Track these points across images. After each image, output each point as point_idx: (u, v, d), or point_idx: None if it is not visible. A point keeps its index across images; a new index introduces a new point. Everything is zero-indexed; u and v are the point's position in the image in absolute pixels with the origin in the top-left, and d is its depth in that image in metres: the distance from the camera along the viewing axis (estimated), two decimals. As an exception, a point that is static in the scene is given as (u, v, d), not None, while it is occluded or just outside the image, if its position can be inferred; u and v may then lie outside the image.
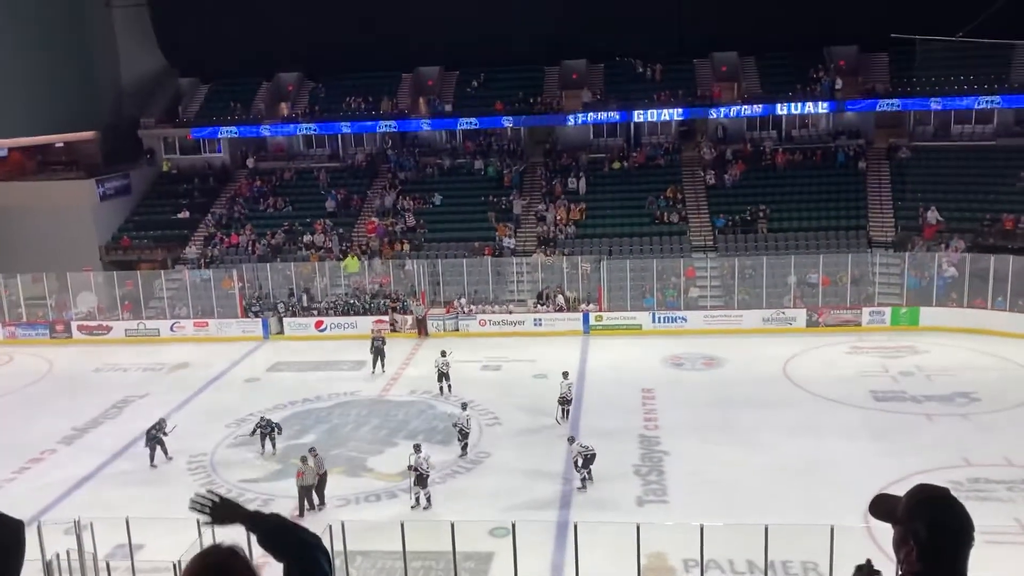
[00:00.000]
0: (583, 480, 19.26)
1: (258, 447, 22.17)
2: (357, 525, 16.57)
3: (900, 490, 2.83)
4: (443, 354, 26.34)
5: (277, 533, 2.64)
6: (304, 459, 19.16)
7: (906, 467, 19.06)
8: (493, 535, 16.77)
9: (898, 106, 38.43)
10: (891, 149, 38.61)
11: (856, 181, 37.54)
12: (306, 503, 18.73)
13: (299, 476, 18.96)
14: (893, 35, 35.30)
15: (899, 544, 2.67)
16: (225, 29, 42.64)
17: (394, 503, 19.11)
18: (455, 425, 21.72)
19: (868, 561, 2.93)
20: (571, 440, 19.96)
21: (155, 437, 21.84)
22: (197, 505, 2.76)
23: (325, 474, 19.29)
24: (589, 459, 19.19)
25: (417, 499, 18.60)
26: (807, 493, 18.62)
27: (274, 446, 22.03)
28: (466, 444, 21.61)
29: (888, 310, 31.15)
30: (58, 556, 14.23)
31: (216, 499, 2.72)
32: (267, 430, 22.07)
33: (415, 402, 25.67)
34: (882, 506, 2.76)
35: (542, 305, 33.11)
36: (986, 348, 28.14)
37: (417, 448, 19.02)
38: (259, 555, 2.69)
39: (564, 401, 23.44)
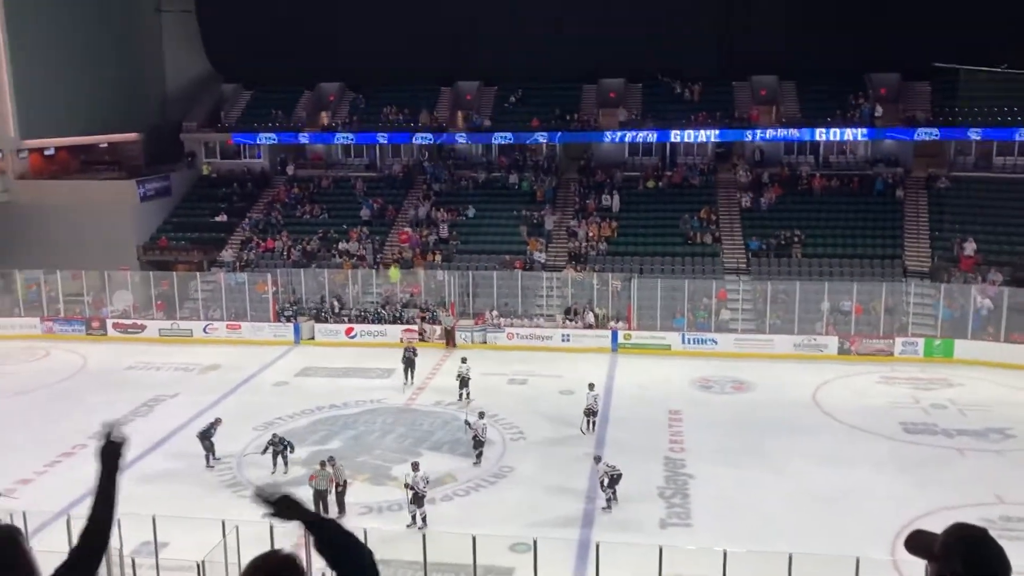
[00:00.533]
0: (608, 500, 19.21)
1: (270, 465, 21.49)
2: (379, 533, 16.67)
3: (929, 524, 2.82)
4: (463, 361, 26.93)
5: (335, 540, 2.59)
6: (323, 464, 19.33)
7: (935, 501, 18.79)
8: (514, 550, 16.74)
9: (938, 135, 38.06)
10: (930, 179, 38.21)
11: (893, 210, 37.19)
12: (321, 507, 18.90)
13: (311, 479, 19.23)
14: (936, 64, 35.06)
15: None
16: (270, 38, 43.32)
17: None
18: (470, 425, 21.95)
19: None
20: (597, 459, 19.90)
21: (210, 438, 21.97)
22: (261, 496, 2.70)
23: (345, 484, 19.37)
24: (615, 479, 19.12)
25: (413, 518, 18.50)
26: (833, 522, 18.39)
27: (286, 464, 21.42)
28: (481, 452, 21.82)
29: (921, 341, 30.75)
30: (85, 550, 14.41)
31: (280, 494, 2.67)
32: (279, 447, 21.45)
33: (440, 412, 25.74)
34: (918, 541, 2.73)
35: (571, 321, 33.12)
36: (1022, 384, 27.66)
37: (415, 466, 18.93)
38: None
39: (590, 412, 23.76)
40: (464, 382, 26.45)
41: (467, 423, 22.22)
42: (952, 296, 31.72)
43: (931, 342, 30.65)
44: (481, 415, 22.52)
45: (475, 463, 21.71)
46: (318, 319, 34.27)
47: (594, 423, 23.77)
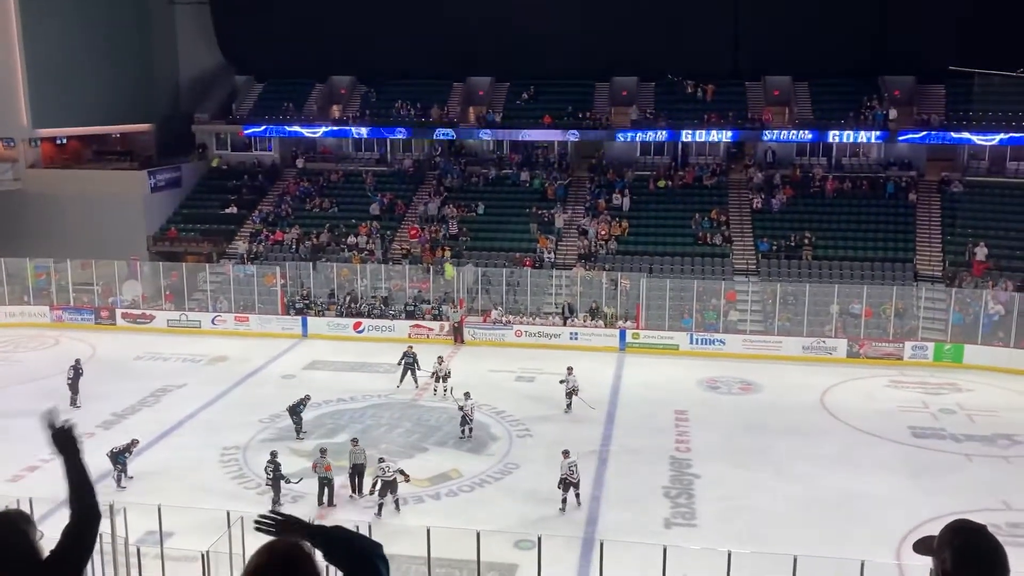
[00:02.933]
0: (563, 501, 18.94)
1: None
2: (383, 528, 16.69)
3: (935, 530, 2.80)
4: (440, 360, 27.34)
5: (340, 546, 2.69)
6: (323, 452, 19.67)
7: (942, 506, 18.68)
8: (518, 547, 16.76)
9: (951, 139, 37.86)
10: (943, 183, 38.01)
11: (905, 213, 37.01)
12: (326, 496, 19.28)
13: (313, 467, 19.63)
14: (951, 68, 34.90)
15: None
16: (282, 30, 43.39)
17: (421, 508, 19.18)
18: (460, 408, 23.22)
19: None
20: (566, 454, 19.35)
21: (299, 413, 23.04)
22: (263, 525, 2.79)
23: (362, 466, 19.82)
24: (566, 483, 18.94)
25: (379, 508, 18.68)
26: (839, 525, 18.34)
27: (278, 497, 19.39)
28: (470, 428, 23.15)
29: (931, 345, 30.61)
30: (91, 538, 14.45)
31: (280, 517, 2.77)
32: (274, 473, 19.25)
33: (447, 408, 25.70)
34: (925, 542, 2.77)
35: (569, 319, 32.97)
36: (1031, 390, 27.50)
37: (380, 460, 19.39)
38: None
39: (571, 393, 25.11)
40: (440, 378, 26.72)
41: (460, 408, 23.24)
42: (963, 301, 31.56)
43: (941, 347, 30.50)
44: (467, 395, 23.50)
45: (462, 437, 23.03)
46: (325, 313, 34.26)
47: (570, 404, 25.08)
